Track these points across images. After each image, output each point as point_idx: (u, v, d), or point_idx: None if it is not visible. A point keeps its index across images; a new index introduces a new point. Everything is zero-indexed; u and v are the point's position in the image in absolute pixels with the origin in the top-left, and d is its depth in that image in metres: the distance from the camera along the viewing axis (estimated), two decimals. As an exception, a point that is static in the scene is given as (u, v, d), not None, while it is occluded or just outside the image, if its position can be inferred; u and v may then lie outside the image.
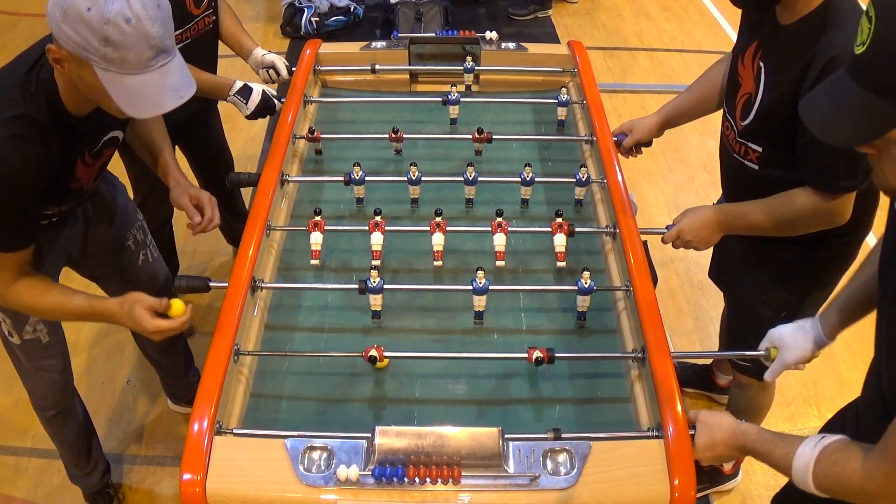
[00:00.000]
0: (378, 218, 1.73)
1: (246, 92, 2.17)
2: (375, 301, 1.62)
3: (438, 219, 1.72)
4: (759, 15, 1.61)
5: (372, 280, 1.58)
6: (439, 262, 1.70)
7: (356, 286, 1.61)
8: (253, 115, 2.20)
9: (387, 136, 2.01)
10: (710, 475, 2.25)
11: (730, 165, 1.75)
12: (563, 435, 1.31)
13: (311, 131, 2.04)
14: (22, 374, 1.94)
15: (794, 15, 1.49)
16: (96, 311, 1.52)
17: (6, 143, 1.35)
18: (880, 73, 0.90)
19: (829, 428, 1.48)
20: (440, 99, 2.15)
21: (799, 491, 1.14)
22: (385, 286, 1.60)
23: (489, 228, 1.75)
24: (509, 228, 1.73)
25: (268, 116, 2.25)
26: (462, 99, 2.15)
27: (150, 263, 2.04)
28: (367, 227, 1.75)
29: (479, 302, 1.61)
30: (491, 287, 1.59)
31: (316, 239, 1.72)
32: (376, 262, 1.70)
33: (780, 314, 1.77)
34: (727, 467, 2.25)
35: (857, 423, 1.32)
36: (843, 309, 1.40)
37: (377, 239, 1.71)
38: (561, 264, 1.70)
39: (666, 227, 1.75)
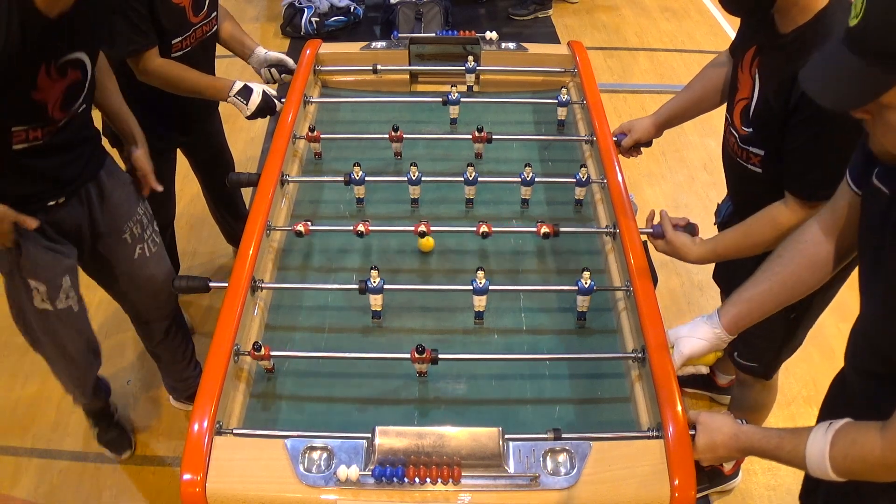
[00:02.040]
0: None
1: (246, 92, 2.17)
2: (375, 301, 1.62)
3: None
4: (757, 21, 1.61)
5: (372, 280, 1.58)
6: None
7: (356, 286, 1.61)
8: (253, 116, 2.20)
9: (387, 136, 2.01)
10: (710, 475, 2.25)
11: (733, 168, 1.75)
12: (563, 435, 1.31)
13: (311, 129, 2.04)
14: (48, 353, 2.01)
15: (791, 24, 1.49)
16: None
17: None
18: (872, 43, 1.00)
19: (824, 409, 1.50)
20: (440, 99, 2.15)
21: (822, 485, 1.15)
22: (385, 286, 1.60)
23: (455, 228, 1.78)
24: (509, 229, 1.73)
25: (268, 117, 2.25)
26: (462, 99, 2.15)
27: (148, 259, 2.03)
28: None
29: (480, 302, 1.61)
30: (491, 287, 1.59)
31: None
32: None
33: (790, 315, 1.77)
34: (727, 467, 2.25)
35: (847, 398, 1.33)
36: (751, 300, 1.41)
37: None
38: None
39: (651, 227, 1.72)
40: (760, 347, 1.91)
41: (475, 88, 2.37)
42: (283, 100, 2.17)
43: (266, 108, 2.21)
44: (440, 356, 1.47)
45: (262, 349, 1.47)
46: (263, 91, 2.19)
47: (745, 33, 1.70)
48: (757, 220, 1.60)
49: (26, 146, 1.59)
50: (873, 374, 1.24)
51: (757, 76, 1.57)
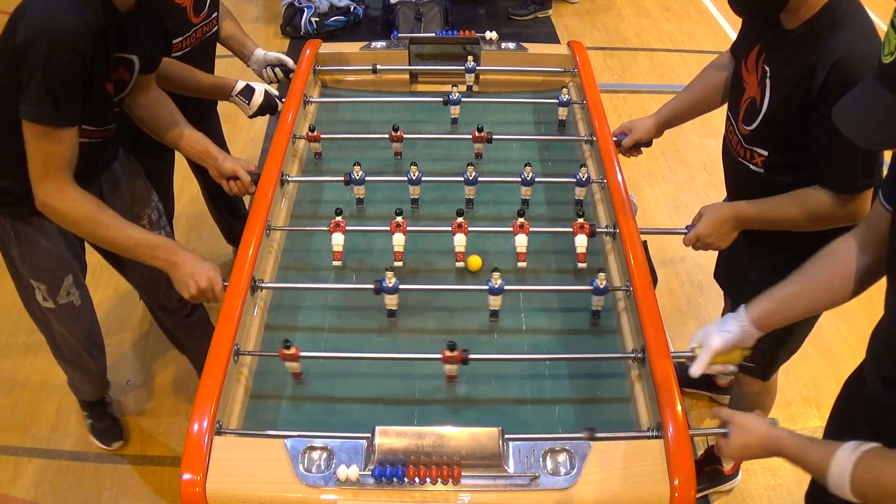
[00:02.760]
0: (399, 219, 1.72)
1: (248, 92, 2.18)
2: (391, 301, 1.62)
3: (460, 219, 1.72)
4: (763, 21, 1.60)
5: (387, 281, 1.58)
6: (461, 263, 1.73)
7: (356, 286, 1.61)
8: (255, 115, 2.21)
9: (387, 136, 2.01)
10: (710, 475, 2.25)
11: (734, 169, 1.75)
12: (563, 435, 1.31)
13: (311, 129, 2.05)
14: (53, 342, 2.09)
15: (798, 20, 1.49)
16: (155, 241, 1.67)
17: (65, 4, 1.45)
18: None
19: (836, 410, 1.49)
20: (440, 99, 2.15)
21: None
22: (399, 286, 1.60)
23: (489, 229, 1.75)
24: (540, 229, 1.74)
25: (268, 115, 2.26)
26: (463, 99, 2.15)
27: None
28: (366, 228, 1.76)
29: (495, 302, 1.61)
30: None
31: (337, 240, 1.71)
32: (398, 264, 1.70)
33: None
34: (727, 467, 2.25)
35: (862, 400, 1.33)
36: (781, 299, 1.40)
37: (399, 240, 1.69)
38: (582, 265, 1.69)
39: (686, 228, 1.74)
40: (757, 346, 1.91)
41: (475, 88, 2.37)
42: (283, 99, 2.18)
43: (268, 107, 2.21)
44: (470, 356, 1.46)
45: (292, 348, 1.46)
46: (265, 90, 2.20)
47: (748, 33, 1.69)
48: (796, 195, 1.58)
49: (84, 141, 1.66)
50: (892, 381, 1.24)
51: (768, 74, 1.56)
